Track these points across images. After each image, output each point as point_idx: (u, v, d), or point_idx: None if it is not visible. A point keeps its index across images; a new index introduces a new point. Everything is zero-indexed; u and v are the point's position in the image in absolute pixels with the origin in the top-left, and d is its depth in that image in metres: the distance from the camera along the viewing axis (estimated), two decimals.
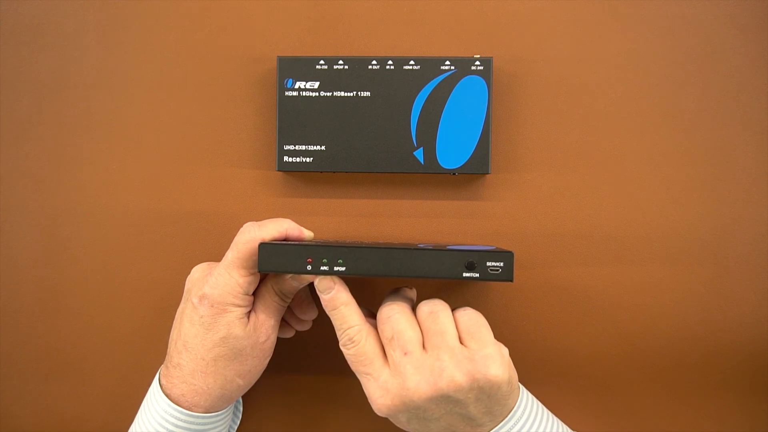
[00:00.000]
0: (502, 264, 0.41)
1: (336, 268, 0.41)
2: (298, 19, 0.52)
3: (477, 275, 0.41)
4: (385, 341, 0.41)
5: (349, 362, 0.42)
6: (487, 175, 0.51)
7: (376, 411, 0.41)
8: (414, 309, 0.43)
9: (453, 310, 0.43)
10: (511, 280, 0.41)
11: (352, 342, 0.41)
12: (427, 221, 0.51)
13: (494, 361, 0.39)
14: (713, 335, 0.50)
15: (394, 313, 0.42)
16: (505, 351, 0.41)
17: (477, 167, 0.49)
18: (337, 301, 0.42)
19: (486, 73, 0.48)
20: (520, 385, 0.44)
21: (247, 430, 0.53)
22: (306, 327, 0.50)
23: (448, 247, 0.44)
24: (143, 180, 0.53)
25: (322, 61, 0.49)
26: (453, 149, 0.49)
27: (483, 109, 0.49)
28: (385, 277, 0.41)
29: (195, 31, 0.52)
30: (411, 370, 0.39)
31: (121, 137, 0.53)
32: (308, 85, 0.49)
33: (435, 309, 0.42)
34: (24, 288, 0.53)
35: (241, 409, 0.52)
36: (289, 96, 0.49)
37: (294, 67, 0.49)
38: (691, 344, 0.50)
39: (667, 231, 0.50)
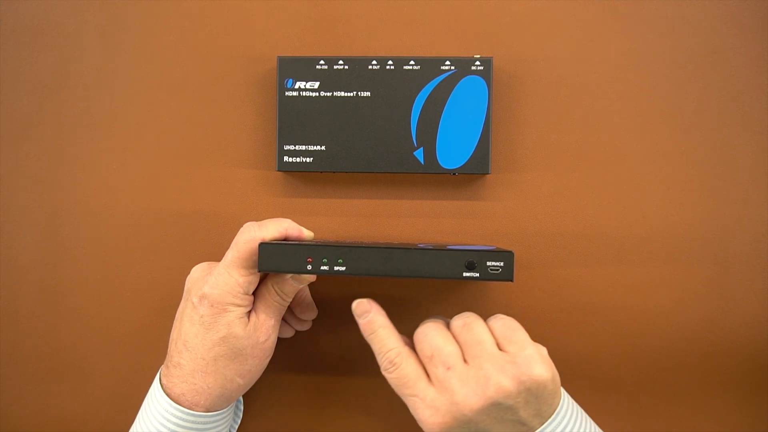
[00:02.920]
0: (502, 264, 0.41)
1: (336, 268, 0.41)
2: (298, 19, 0.52)
3: (477, 275, 0.41)
4: (425, 360, 0.41)
5: (393, 386, 0.41)
6: (487, 175, 0.51)
7: None
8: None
9: (485, 320, 0.42)
10: (512, 280, 0.41)
11: (393, 365, 0.41)
12: (427, 221, 0.51)
13: (536, 360, 0.39)
14: (713, 335, 0.50)
15: (429, 331, 0.41)
16: (544, 350, 0.41)
17: (477, 167, 0.49)
18: (375, 324, 0.42)
19: (486, 73, 0.48)
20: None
21: (248, 430, 0.53)
22: (306, 327, 0.50)
23: (448, 247, 0.44)
24: (143, 180, 0.53)
25: (322, 61, 0.49)
26: (453, 149, 0.49)
27: (483, 110, 0.49)
28: (385, 277, 0.41)
29: (195, 31, 0.52)
30: (457, 384, 0.39)
31: (121, 137, 0.53)
32: (308, 85, 0.49)
33: (468, 321, 0.42)
34: (24, 288, 0.53)
35: (242, 408, 0.52)
36: (289, 96, 0.49)
37: (294, 67, 0.49)
38: (691, 344, 0.50)
39: (667, 231, 0.50)
